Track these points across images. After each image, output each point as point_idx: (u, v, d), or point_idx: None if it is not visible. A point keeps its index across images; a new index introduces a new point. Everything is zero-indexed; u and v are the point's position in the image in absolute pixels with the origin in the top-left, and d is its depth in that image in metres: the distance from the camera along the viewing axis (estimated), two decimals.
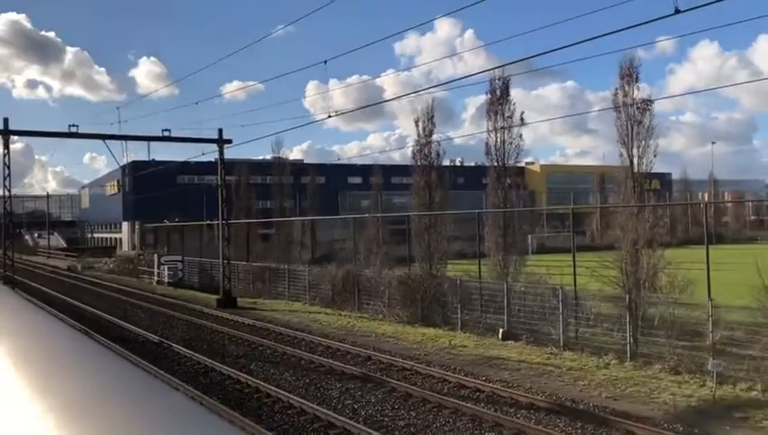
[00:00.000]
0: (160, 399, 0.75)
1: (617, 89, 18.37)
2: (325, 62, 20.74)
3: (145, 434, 0.62)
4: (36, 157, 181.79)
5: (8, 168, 25.53)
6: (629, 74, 18.07)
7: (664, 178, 74.92)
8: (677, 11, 10.96)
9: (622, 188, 18.67)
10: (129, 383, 0.79)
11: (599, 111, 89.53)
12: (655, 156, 17.97)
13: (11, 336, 1.19)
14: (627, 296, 16.08)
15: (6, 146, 25.62)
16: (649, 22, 11.78)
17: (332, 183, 76.11)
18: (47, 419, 0.68)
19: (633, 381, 13.69)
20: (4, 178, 25.51)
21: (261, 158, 66.50)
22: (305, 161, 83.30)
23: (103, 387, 0.81)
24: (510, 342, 17.78)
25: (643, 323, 15.69)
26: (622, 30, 12.45)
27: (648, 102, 17.99)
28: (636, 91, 18.05)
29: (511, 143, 21.94)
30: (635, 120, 17.92)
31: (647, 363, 14.77)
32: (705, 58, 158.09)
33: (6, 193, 25.85)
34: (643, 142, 17.85)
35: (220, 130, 29.11)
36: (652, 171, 18.79)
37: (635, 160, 17.98)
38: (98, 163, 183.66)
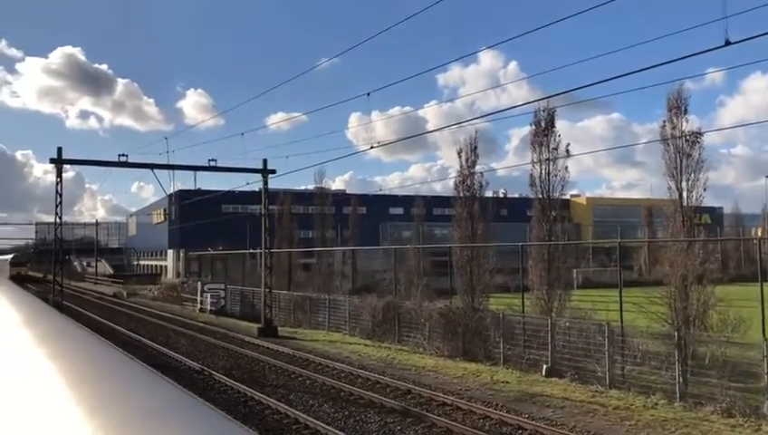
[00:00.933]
0: (203, 418, 0.72)
1: (665, 121, 18.07)
2: (368, 94, 21.03)
3: None
4: (87, 185, 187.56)
5: (60, 196, 26.35)
6: (677, 106, 17.77)
7: (714, 213, 73.11)
8: (728, 43, 10.76)
9: (671, 222, 18.22)
10: (176, 405, 0.76)
11: (646, 143, 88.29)
12: (705, 189, 17.53)
13: (64, 358, 1.18)
14: (676, 334, 15.57)
15: (59, 175, 26.49)
16: (699, 54, 11.60)
17: (374, 214, 76.38)
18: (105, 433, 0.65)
19: (683, 422, 13.17)
20: (57, 206, 26.31)
21: (303, 188, 67.35)
22: (347, 191, 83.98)
23: (150, 408, 0.79)
24: (554, 378, 17.35)
25: (693, 363, 15.15)
26: (670, 62, 12.29)
27: (697, 135, 17.62)
28: (684, 124, 17.71)
29: (556, 175, 21.68)
30: (684, 153, 17.56)
31: (697, 404, 14.21)
32: (756, 90, 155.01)
33: (58, 220, 26.62)
34: (692, 175, 17.45)
35: (265, 161, 29.59)
36: (702, 205, 18.31)
37: (684, 194, 17.56)
38: (145, 192, 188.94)
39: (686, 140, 17.50)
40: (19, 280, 47.67)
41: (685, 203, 17.58)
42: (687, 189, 17.52)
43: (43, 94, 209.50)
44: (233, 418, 0.70)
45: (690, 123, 17.88)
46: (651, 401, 14.71)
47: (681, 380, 14.94)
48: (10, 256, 79.40)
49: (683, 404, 14.36)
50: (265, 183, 29.70)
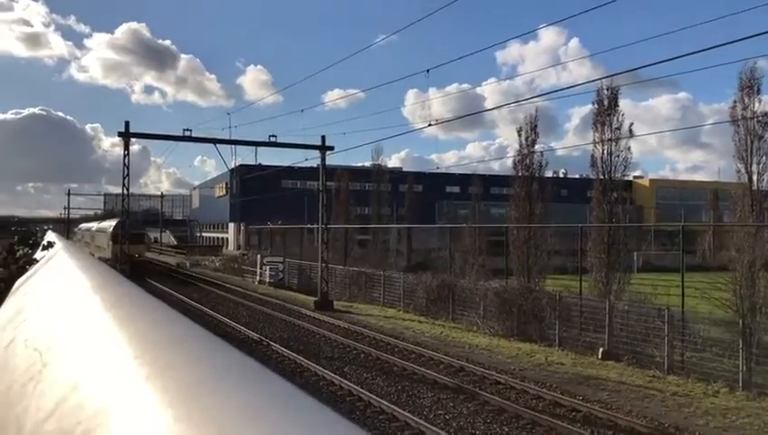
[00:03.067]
0: (269, 384, 0.77)
1: (735, 101, 17.38)
2: (428, 71, 20.92)
3: (255, 412, 0.64)
4: (152, 158, 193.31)
5: (128, 168, 27.27)
6: (750, 86, 17.05)
7: None
8: None
9: (739, 205, 17.59)
10: (244, 371, 0.82)
11: (714, 124, 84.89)
12: None
13: (133, 322, 1.26)
14: (740, 321, 15.08)
15: (127, 148, 27.39)
16: None
17: (430, 192, 76.22)
18: (166, 396, 0.71)
19: (745, 412, 12.81)
20: (124, 178, 27.25)
21: (360, 165, 67.63)
22: (403, 169, 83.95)
23: (218, 372, 0.85)
24: (610, 362, 17.10)
25: (758, 351, 14.66)
26: (743, 39, 11.77)
27: None
28: (757, 104, 16.99)
29: (618, 156, 21.15)
30: (755, 135, 16.87)
31: (761, 394, 13.78)
32: None
33: (125, 192, 27.58)
34: (764, 158, 16.78)
35: (323, 137, 29.83)
36: None
37: (754, 177, 16.90)
38: (208, 166, 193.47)
39: (758, 122, 16.80)
40: (135, 270, 32.28)
41: (755, 186, 16.92)
42: (758, 172, 16.86)
43: (109, 69, 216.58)
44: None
45: (763, 104, 17.15)
46: (712, 388, 14.34)
47: (745, 368, 14.49)
48: (111, 223, 46.39)
49: (746, 393, 13.94)
50: (323, 159, 29.98)
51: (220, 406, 0.69)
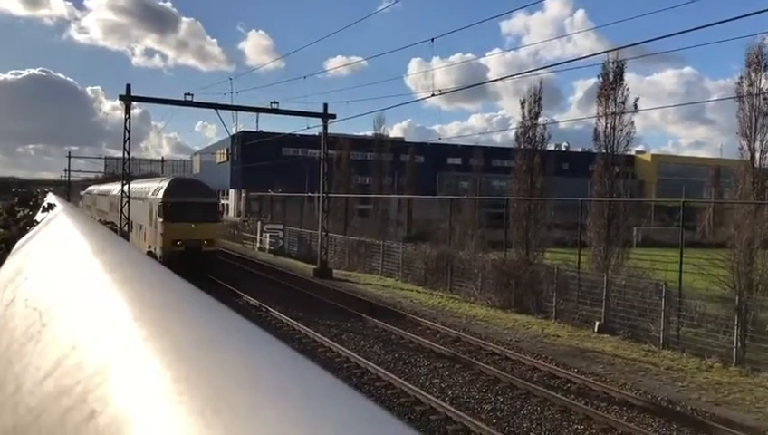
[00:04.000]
0: (267, 347, 0.77)
1: (741, 77, 17.24)
2: (432, 39, 20.65)
3: (252, 375, 0.65)
4: (153, 122, 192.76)
5: (128, 132, 27.11)
6: (757, 62, 16.90)
7: None
8: None
9: (740, 183, 17.56)
10: (240, 332, 0.82)
11: (718, 100, 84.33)
12: None
13: (133, 283, 1.26)
14: (737, 298, 15.16)
15: (128, 111, 27.19)
16: None
17: (431, 163, 75.94)
18: (165, 358, 0.71)
19: (738, 387, 12.95)
20: (125, 142, 27.11)
21: (362, 134, 67.34)
22: (405, 139, 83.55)
23: (216, 332, 0.85)
24: (606, 335, 17.23)
25: (753, 328, 14.77)
26: (752, 14, 11.62)
27: None
28: (763, 81, 16.85)
29: (621, 130, 21.08)
30: (760, 112, 16.76)
31: (755, 370, 13.92)
32: None
33: (126, 155, 27.46)
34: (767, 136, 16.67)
35: (325, 105, 29.64)
36: None
37: (757, 155, 16.86)
38: (209, 131, 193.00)
39: (764, 99, 16.68)
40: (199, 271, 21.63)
41: (757, 164, 16.86)
42: (761, 150, 16.79)
43: (109, 31, 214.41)
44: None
45: None
46: (706, 363, 14.48)
47: (739, 344, 14.62)
48: (157, 185, 28.33)
49: (739, 369, 14.08)
50: (325, 127, 29.83)
51: (218, 368, 0.69)
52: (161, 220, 24.62)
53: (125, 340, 0.85)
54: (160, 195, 25.53)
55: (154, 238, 25.79)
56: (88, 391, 0.80)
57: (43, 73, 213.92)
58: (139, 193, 29.10)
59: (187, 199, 24.85)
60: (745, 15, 11.66)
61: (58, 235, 3.53)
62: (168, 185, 26.39)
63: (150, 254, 22.44)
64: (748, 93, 16.96)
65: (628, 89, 21.20)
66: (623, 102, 21.03)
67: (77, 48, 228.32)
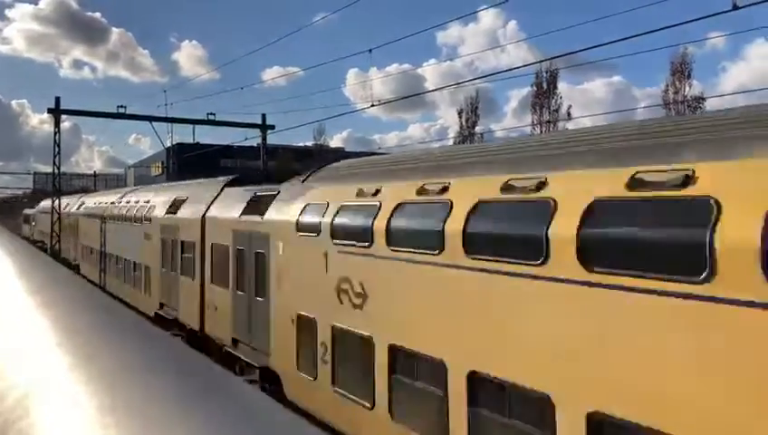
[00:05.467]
0: (197, 368, 0.74)
1: (667, 85, 18.02)
2: (370, 50, 20.80)
3: (182, 402, 0.62)
4: (84, 136, 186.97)
5: (58, 146, 26.19)
6: (681, 70, 17.71)
7: None
8: (735, 7, 10.60)
9: None
10: (169, 353, 0.79)
11: (646, 107, 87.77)
12: None
13: (59, 307, 1.21)
14: None
15: (57, 125, 26.27)
16: (706, 17, 11.45)
17: None
18: (89, 386, 0.68)
19: None
20: (55, 156, 26.17)
21: (303, 145, 67.02)
22: (346, 149, 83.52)
23: (146, 358, 0.82)
24: None
25: None
26: (677, 25, 12.13)
27: (700, 100, 17.61)
28: (687, 88, 17.64)
29: None
30: None
31: None
32: (761, 56, 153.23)
33: (56, 170, 26.51)
34: None
35: (263, 116, 29.38)
36: None
37: None
38: (143, 144, 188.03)
39: (688, 106, 17.43)
40: None
41: None
42: None
43: (33, 42, 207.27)
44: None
45: (693, 88, 17.81)
46: None
47: None
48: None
49: None
50: (264, 139, 29.57)
51: (148, 397, 0.66)
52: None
53: (48, 368, 0.81)
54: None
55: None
56: (8, 424, 0.75)
57: None
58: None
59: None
60: (672, 26, 12.15)
61: None
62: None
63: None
64: (674, 101, 17.69)
65: (561, 97, 21.86)
66: (557, 111, 21.65)
67: None
